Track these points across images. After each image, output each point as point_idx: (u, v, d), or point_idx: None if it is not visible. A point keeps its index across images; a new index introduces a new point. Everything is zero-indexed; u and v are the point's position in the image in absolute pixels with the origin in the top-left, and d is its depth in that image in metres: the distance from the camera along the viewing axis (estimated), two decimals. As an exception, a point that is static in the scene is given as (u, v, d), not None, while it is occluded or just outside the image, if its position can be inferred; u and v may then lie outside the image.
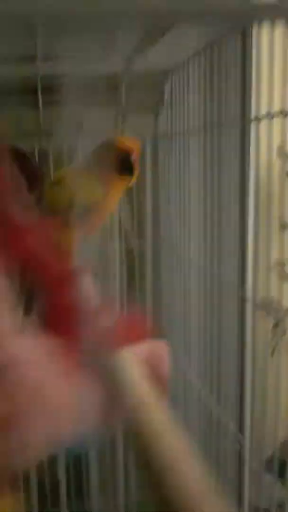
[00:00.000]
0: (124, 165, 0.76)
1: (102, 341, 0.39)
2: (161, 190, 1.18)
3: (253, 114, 0.68)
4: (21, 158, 1.01)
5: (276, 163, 0.66)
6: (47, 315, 0.44)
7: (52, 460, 1.16)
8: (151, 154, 1.19)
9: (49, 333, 0.40)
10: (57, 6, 0.58)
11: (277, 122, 0.62)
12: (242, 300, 0.75)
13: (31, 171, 0.96)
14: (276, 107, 0.61)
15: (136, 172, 0.78)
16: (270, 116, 0.62)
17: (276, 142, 0.64)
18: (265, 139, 0.64)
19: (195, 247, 0.90)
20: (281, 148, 0.63)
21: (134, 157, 0.78)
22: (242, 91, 0.70)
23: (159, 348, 0.45)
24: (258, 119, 0.65)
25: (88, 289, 0.48)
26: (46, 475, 1.22)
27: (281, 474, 0.70)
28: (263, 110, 0.64)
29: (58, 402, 0.36)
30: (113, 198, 0.78)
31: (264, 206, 0.71)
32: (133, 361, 0.42)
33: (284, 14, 0.46)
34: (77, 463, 1.23)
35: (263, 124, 0.64)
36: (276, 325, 0.71)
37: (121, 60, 0.91)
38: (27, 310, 0.64)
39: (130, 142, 0.78)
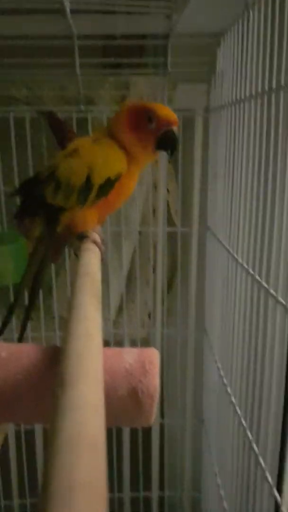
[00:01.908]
0: (166, 141, 0.60)
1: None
2: (210, 171, 1.04)
3: None
4: (56, 123, 0.91)
5: None
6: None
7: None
8: (202, 128, 1.04)
9: None
10: None
11: None
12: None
13: (65, 136, 0.85)
14: None
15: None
16: None
17: None
18: None
19: (243, 243, 0.76)
20: None
21: (176, 132, 0.62)
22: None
23: (150, 355, 0.45)
24: None
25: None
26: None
27: None
28: None
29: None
30: (135, 173, 0.63)
31: None
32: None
33: None
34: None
35: None
36: None
37: (165, 19, 0.76)
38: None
39: (170, 112, 0.61)
